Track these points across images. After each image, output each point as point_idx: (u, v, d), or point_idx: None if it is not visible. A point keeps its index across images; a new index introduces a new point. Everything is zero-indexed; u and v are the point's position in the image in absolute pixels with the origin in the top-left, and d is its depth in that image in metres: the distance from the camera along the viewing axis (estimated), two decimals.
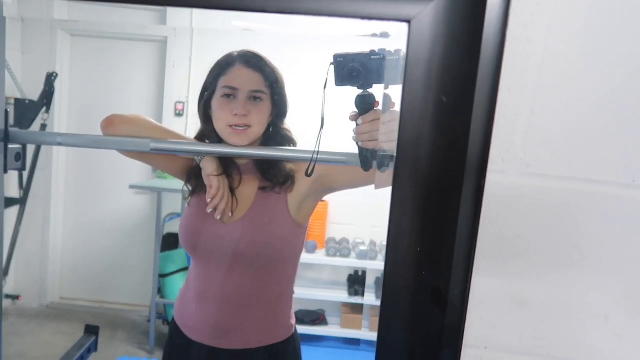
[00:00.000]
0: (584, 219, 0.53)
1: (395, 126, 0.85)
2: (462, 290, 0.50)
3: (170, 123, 3.36)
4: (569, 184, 0.52)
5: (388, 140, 0.83)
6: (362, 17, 0.45)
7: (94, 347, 1.57)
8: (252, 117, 1.06)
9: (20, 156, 1.10)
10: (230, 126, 1.05)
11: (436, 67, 0.45)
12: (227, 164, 1.12)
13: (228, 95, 1.07)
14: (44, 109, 2.79)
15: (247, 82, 1.06)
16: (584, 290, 0.55)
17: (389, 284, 0.49)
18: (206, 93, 1.12)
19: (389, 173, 0.51)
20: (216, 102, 1.09)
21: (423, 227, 0.48)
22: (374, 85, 0.89)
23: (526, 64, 0.48)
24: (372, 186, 1.06)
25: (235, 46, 1.15)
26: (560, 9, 0.48)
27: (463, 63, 0.45)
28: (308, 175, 0.94)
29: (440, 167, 0.47)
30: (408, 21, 0.44)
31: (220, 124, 1.08)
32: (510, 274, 0.54)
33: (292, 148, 1.15)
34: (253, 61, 1.08)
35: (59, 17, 3.29)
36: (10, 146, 1.05)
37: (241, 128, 1.05)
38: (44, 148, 3.12)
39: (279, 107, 1.12)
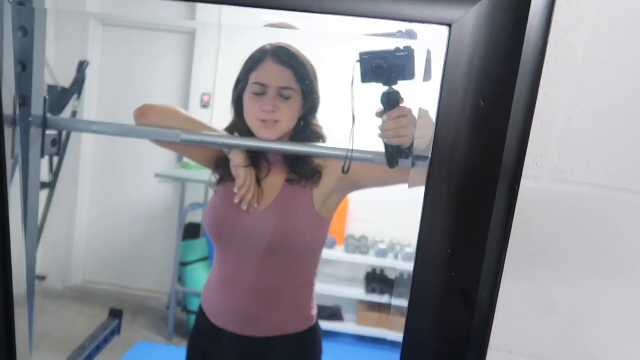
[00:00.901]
0: (616, 227, 0.53)
1: (405, 122, 0.87)
2: (491, 294, 0.50)
3: (196, 114, 3.39)
4: (602, 192, 0.52)
5: (404, 135, 0.85)
6: (404, 20, 0.46)
7: (117, 330, 1.62)
8: (280, 113, 1.07)
9: (56, 142, 1.13)
10: (260, 120, 1.07)
11: (475, 71, 0.45)
12: (255, 155, 1.14)
13: (258, 92, 1.08)
14: (76, 95, 2.84)
15: (277, 78, 1.07)
16: (612, 299, 0.55)
17: (418, 284, 0.50)
18: (239, 86, 1.13)
19: (423, 173, 0.52)
20: (247, 97, 1.10)
21: (455, 229, 0.49)
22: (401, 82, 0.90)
23: (566, 70, 0.48)
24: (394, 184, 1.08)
25: (264, 40, 1.15)
26: (603, 17, 0.48)
27: (503, 68, 0.45)
28: (345, 172, 0.96)
29: (475, 170, 0.48)
30: (449, 25, 0.45)
31: (250, 118, 1.09)
32: (539, 279, 0.54)
33: (320, 144, 1.15)
34: (284, 57, 1.09)
35: (91, 10, 3.35)
36: (47, 132, 1.09)
37: (270, 122, 1.07)
38: (73, 134, 3.19)
39: (310, 103, 1.13)
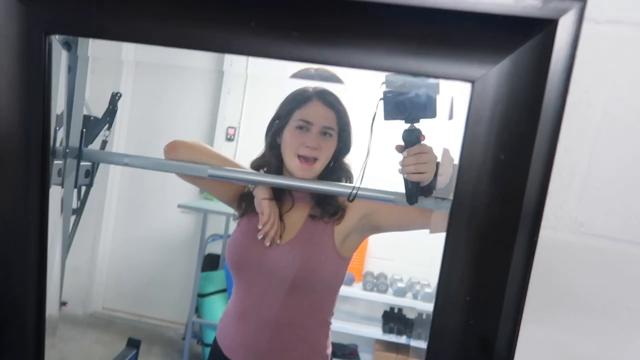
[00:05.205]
0: (636, 281, 0.54)
1: (425, 158, 0.89)
2: (510, 342, 0.51)
3: (221, 147, 3.48)
4: (621, 246, 0.52)
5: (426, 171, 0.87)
6: (428, 76, 0.48)
7: None
8: (320, 151, 1.11)
9: (90, 173, 1.18)
10: (299, 157, 1.10)
11: (496, 125, 0.47)
12: (280, 191, 1.17)
13: (301, 127, 1.12)
14: (107, 126, 2.93)
15: (322, 118, 1.12)
16: (634, 353, 0.55)
17: (436, 329, 0.51)
18: (277, 122, 1.17)
19: (444, 219, 0.53)
20: (289, 133, 1.14)
21: (474, 277, 0.50)
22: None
23: (585, 126, 0.50)
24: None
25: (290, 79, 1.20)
26: (621, 76, 0.50)
27: (523, 124, 0.47)
28: (350, 200, 0.98)
29: (495, 219, 0.49)
30: (472, 81, 0.47)
31: (289, 153, 1.13)
32: (558, 330, 0.54)
33: (340, 183, 1.17)
34: (329, 99, 1.14)
35: (125, 58, 3.49)
36: (81, 163, 1.13)
37: (310, 161, 1.10)
38: (102, 164, 3.28)
39: (343, 144, 1.17)
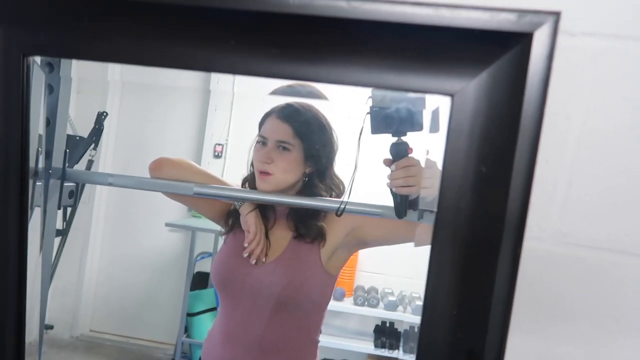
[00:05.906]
0: (622, 290, 0.54)
1: (413, 171, 0.90)
2: (497, 355, 0.50)
3: (208, 164, 3.47)
4: (606, 255, 0.53)
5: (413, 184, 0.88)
6: (409, 90, 0.49)
7: None
8: (274, 165, 1.11)
9: (74, 194, 1.17)
10: (258, 171, 1.12)
11: (476, 138, 0.48)
12: (264, 207, 1.16)
13: (259, 143, 1.13)
14: (93, 145, 2.90)
15: (275, 132, 1.12)
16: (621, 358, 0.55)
17: (423, 345, 0.50)
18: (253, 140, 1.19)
19: (428, 232, 0.53)
20: (253, 149, 1.15)
21: (460, 290, 0.50)
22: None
23: (564, 138, 0.50)
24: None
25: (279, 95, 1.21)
26: (599, 87, 0.51)
27: (502, 136, 0.47)
28: (338, 215, 0.98)
29: (478, 232, 0.49)
30: (451, 95, 0.48)
31: (254, 169, 1.14)
32: (546, 341, 0.54)
33: (325, 198, 1.15)
34: (287, 113, 1.13)
35: (111, 78, 3.49)
36: (65, 184, 1.12)
37: (265, 174, 1.11)
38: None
39: (316, 165, 1.15)
